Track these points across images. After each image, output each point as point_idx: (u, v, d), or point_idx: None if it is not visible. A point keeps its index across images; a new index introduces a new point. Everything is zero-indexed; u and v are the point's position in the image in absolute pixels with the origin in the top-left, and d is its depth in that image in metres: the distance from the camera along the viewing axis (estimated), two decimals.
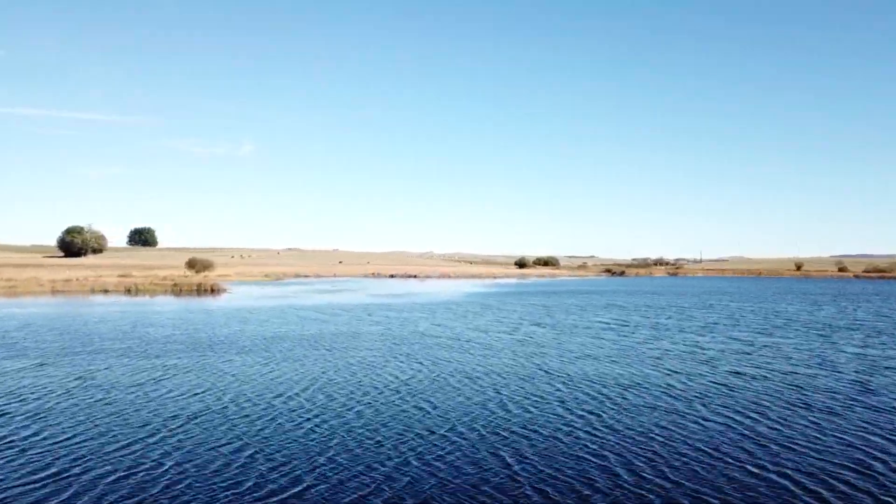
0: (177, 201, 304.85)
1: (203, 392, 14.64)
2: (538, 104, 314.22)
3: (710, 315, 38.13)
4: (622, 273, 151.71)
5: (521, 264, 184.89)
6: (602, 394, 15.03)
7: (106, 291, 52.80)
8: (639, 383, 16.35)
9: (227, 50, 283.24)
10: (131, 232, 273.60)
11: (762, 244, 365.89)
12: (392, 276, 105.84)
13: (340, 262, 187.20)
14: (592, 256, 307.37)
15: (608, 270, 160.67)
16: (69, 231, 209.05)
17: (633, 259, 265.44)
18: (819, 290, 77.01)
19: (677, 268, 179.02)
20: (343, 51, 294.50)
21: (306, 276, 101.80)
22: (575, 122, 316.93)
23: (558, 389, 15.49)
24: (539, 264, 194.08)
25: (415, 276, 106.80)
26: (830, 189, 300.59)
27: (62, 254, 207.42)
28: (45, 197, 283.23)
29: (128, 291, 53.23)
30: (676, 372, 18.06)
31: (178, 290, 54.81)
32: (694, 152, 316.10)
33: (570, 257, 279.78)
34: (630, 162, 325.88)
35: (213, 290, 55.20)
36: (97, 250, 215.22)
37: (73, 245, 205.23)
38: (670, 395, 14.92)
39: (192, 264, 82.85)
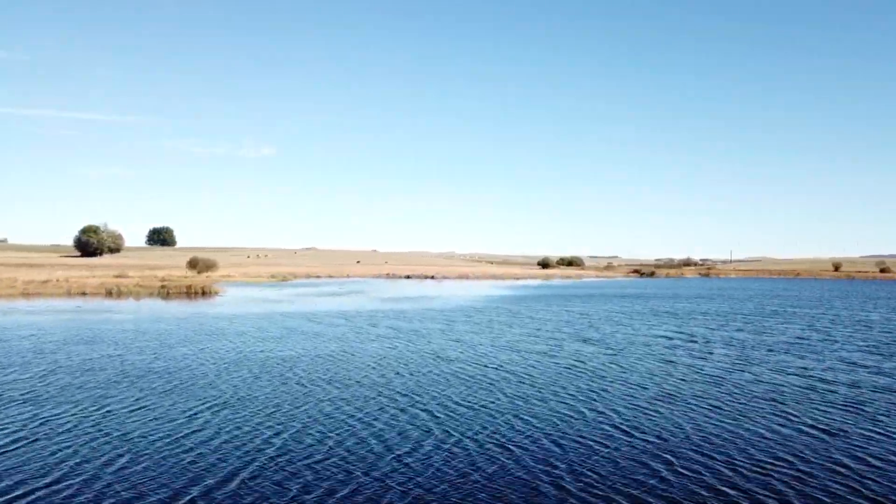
0: (198, 202, 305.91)
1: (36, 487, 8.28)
2: (561, 103, 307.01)
3: (788, 326, 31.15)
4: (651, 274, 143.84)
5: (544, 264, 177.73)
6: (744, 489, 8.36)
7: (84, 294, 47.10)
8: (785, 459, 9.64)
9: (252, 51, 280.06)
10: (150, 232, 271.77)
11: (788, 244, 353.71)
12: (408, 277, 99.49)
13: (358, 262, 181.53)
14: (615, 257, 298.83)
15: (636, 271, 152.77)
16: (85, 231, 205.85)
17: (657, 259, 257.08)
18: (884, 293, 69.13)
19: (708, 268, 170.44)
20: (362, 50, 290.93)
21: (318, 277, 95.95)
22: (598, 121, 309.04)
23: (658, 474, 8.86)
24: (563, 264, 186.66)
25: (432, 277, 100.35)
26: (862, 188, 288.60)
27: (79, 253, 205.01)
28: (67, 197, 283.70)
29: (108, 294, 47.50)
30: (830, 429, 11.32)
31: (165, 292, 48.97)
32: (719, 152, 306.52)
33: (592, 257, 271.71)
34: (653, 162, 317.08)
35: (205, 293, 49.28)
36: (114, 250, 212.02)
37: (90, 245, 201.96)
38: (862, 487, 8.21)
39: (193, 264, 77.33)
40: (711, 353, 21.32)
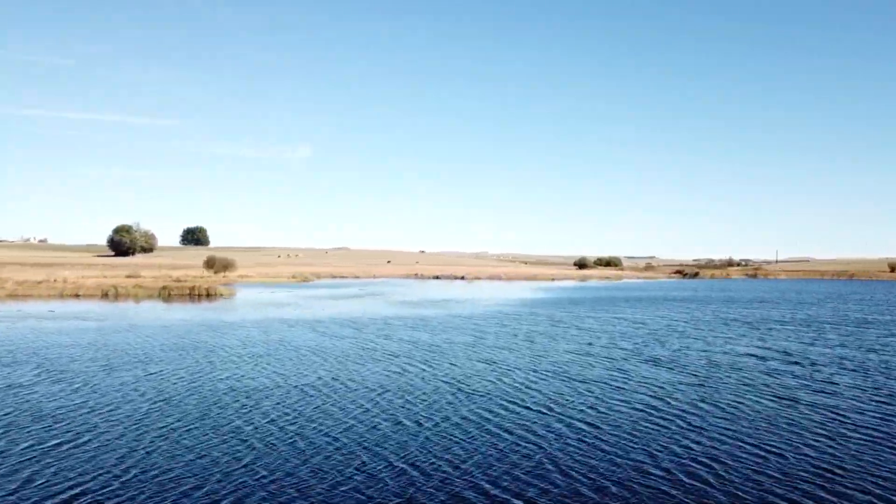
0: (235, 203, 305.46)
1: None
2: (597, 103, 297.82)
3: (893, 338, 24.88)
4: (695, 275, 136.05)
5: (581, 265, 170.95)
6: None
7: (77, 296, 42.94)
8: None
9: (290, 52, 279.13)
10: (184, 231, 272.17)
11: (832, 244, 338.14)
12: (436, 278, 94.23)
13: (388, 262, 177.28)
14: (652, 257, 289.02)
15: (679, 272, 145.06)
16: (117, 231, 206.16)
17: (695, 260, 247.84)
18: None
19: (755, 269, 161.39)
20: (397, 51, 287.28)
21: (342, 277, 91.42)
22: (631, 119, 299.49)
23: None
24: (600, 265, 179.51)
25: (462, 278, 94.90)
26: None
27: (112, 253, 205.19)
28: (106, 199, 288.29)
29: (104, 296, 43.28)
30: None
31: (166, 294, 44.57)
32: (756, 152, 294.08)
33: (629, 258, 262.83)
34: (689, 162, 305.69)
35: (209, 295, 44.77)
36: (147, 249, 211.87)
37: (122, 244, 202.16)
38: None
39: (210, 264, 73.35)
40: (832, 383, 15.54)
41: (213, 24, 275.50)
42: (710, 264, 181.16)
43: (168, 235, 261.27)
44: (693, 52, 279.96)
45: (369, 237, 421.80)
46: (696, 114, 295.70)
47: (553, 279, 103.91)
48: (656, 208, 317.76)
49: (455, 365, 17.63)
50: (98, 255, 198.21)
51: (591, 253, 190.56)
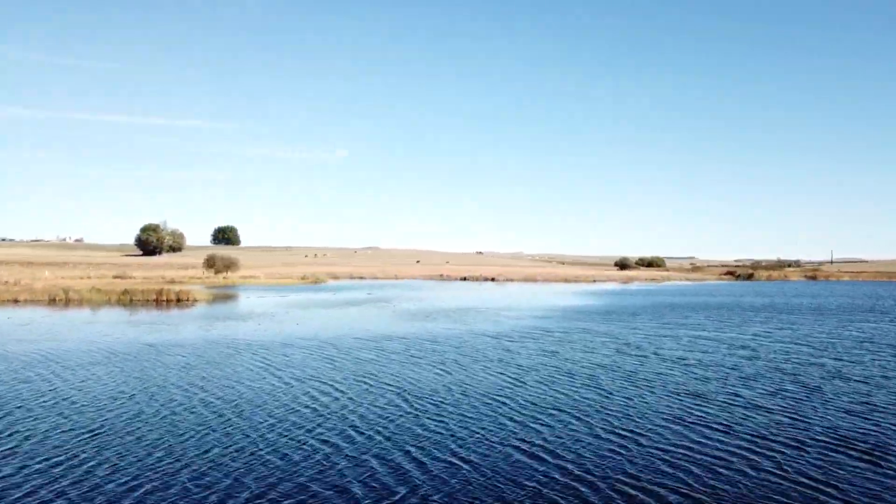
0: (271, 203, 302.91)
1: None
2: (635, 100, 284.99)
3: None
4: (750, 276, 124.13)
5: (622, 265, 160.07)
6: None
7: (16, 301, 35.36)
8: None
9: (328, 54, 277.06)
10: (214, 231, 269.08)
11: (884, 245, 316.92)
12: (464, 279, 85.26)
13: (418, 262, 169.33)
14: (692, 258, 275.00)
15: (730, 273, 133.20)
16: (144, 229, 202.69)
17: (736, 260, 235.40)
18: None
19: (814, 270, 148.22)
20: (429, 53, 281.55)
21: (361, 278, 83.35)
22: (669, 116, 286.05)
23: None
24: (642, 265, 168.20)
25: (492, 280, 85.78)
26: None
27: (140, 252, 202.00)
28: (146, 199, 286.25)
29: (52, 301, 35.66)
30: None
31: (127, 299, 36.75)
32: (798, 151, 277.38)
33: (668, 258, 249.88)
34: (725, 160, 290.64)
35: (179, 301, 36.84)
36: (175, 248, 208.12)
37: (149, 243, 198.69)
38: None
39: (210, 263, 65.90)
40: None
41: (252, 28, 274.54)
42: (761, 265, 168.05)
43: (202, 235, 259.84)
44: (733, 51, 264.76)
45: (400, 237, 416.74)
46: (733, 113, 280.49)
47: (594, 281, 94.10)
48: (693, 208, 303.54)
49: (473, 464, 8.77)
50: (126, 255, 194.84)
51: (627, 253, 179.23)
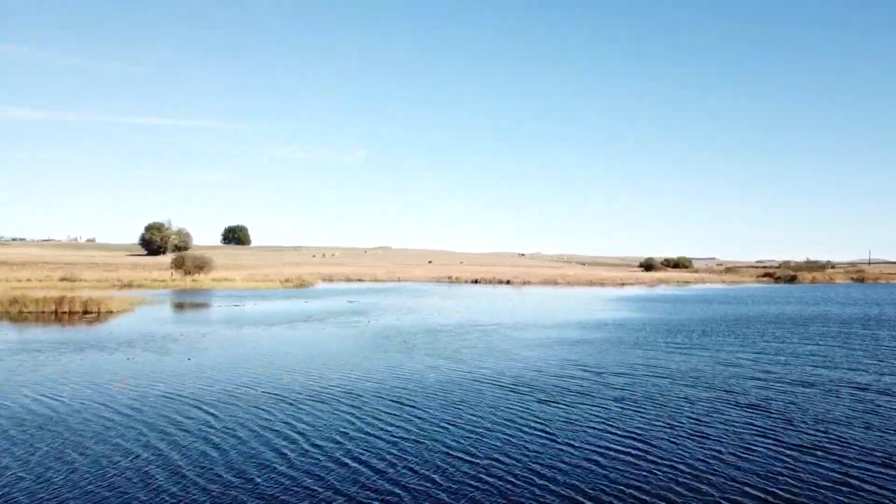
0: (287, 203, 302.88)
1: None
2: (654, 97, 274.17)
3: None
4: (793, 279, 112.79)
5: (647, 266, 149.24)
6: None
7: None
8: None
9: (351, 55, 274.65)
10: (224, 230, 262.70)
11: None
12: (475, 282, 75.35)
13: (430, 262, 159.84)
14: (713, 258, 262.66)
15: (769, 275, 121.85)
16: (148, 228, 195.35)
17: (758, 261, 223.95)
18: None
19: (860, 272, 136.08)
20: (452, 52, 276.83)
21: (360, 281, 73.94)
22: (688, 114, 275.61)
23: None
24: (668, 266, 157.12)
25: (508, 283, 75.81)
26: None
27: (144, 252, 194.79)
28: (159, 199, 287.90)
29: None
30: None
31: (16, 310, 27.57)
32: (820, 148, 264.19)
33: (692, 259, 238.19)
34: (745, 159, 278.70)
35: (87, 313, 27.57)
36: (182, 248, 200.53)
37: (153, 243, 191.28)
38: None
39: (179, 263, 56.81)
40: None
41: (270, 27, 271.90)
42: (790, 266, 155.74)
43: (216, 236, 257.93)
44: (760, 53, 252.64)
45: (413, 237, 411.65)
46: (749, 111, 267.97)
47: (622, 284, 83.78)
48: (713, 208, 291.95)
49: None
50: (130, 255, 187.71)
51: (645, 252, 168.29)
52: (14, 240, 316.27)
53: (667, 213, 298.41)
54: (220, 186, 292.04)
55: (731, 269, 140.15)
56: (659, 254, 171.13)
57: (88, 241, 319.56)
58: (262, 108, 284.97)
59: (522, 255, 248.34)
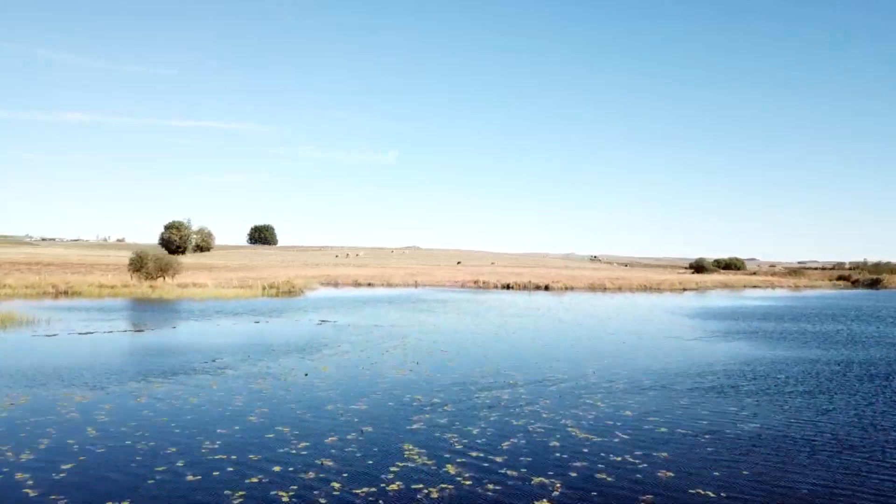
0: (313, 204, 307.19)
1: None
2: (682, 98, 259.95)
3: None
4: (875, 283, 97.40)
5: (698, 267, 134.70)
6: None
7: None
8: None
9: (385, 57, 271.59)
10: (251, 230, 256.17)
11: None
12: (507, 288, 62.70)
13: (458, 263, 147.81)
14: (753, 258, 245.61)
15: (843, 278, 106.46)
16: (168, 227, 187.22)
17: (800, 262, 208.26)
18: None
19: None
20: (482, 53, 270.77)
21: (369, 285, 62.22)
22: (714, 115, 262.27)
23: None
24: (719, 267, 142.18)
25: (545, 288, 63.09)
26: None
27: (165, 252, 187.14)
28: (191, 200, 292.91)
29: None
30: None
31: None
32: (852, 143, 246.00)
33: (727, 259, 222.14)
34: (780, 158, 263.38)
35: None
36: (203, 248, 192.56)
37: (172, 242, 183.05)
38: None
39: (137, 265, 45.62)
40: None
41: (310, 33, 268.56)
42: (871, 268, 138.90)
43: (243, 236, 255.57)
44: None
45: (443, 237, 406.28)
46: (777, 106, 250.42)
47: (683, 289, 70.43)
48: (745, 207, 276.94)
49: None
50: None
51: (680, 253, 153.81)
52: (44, 240, 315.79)
53: (698, 213, 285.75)
54: (254, 187, 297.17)
55: (797, 272, 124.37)
56: (693, 254, 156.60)
57: (118, 241, 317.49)
58: (297, 110, 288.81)
59: (480, 251, 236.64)
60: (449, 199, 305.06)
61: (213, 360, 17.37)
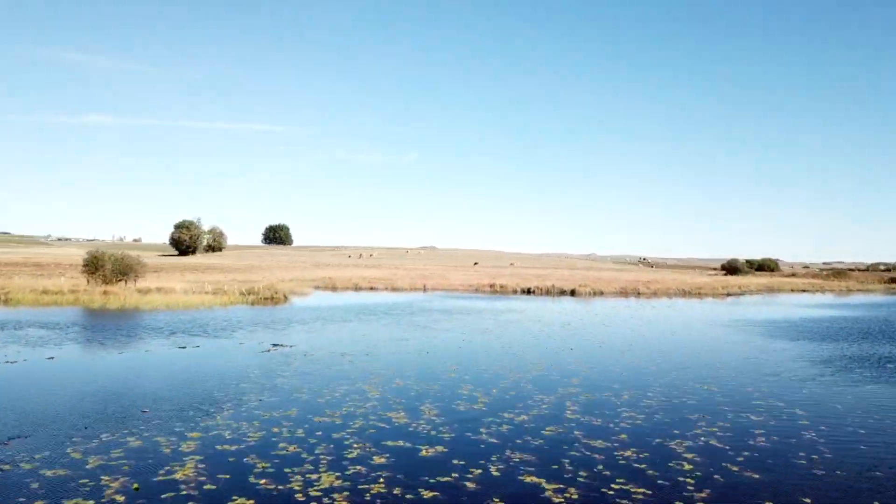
0: (330, 204, 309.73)
1: None
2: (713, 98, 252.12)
3: None
4: None
5: (730, 269, 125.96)
6: None
7: None
8: None
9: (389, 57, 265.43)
10: (266, 230, 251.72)
11: None
12: (528, 293, 54.96)
13: (475, 264, 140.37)
14: (778, 259, 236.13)
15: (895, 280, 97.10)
16: (178, 226, 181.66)
17: (825, 263, 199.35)
18: None
19: None
20: (495, 55, 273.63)
21: (370, 289, 55.06)
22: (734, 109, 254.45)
23: None
24: (752, 268, 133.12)
25: (572, 293, 55.37)
26: None
27: (175, 252, 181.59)
28: (211, 201, 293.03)
29: None
30: None
31: None
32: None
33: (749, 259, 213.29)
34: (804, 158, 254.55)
35: None
36: (215, 248, 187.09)
37: (181, 242, 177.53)
38: None
39: (93, 266, 38.78)
40: None
41: (326, 34, 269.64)
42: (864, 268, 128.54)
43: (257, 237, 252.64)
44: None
45: (461, 237, 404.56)
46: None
47: (726, 293, 62.27)
48: (771, 208, 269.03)
49: None
50: (162, 255, 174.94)
51: (700, 254, 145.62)
52: (60, 240, 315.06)
53: (722, 213, 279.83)
54: (274, 188, 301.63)
55: (840, 273, 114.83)
56: (718, 254, 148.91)
57: (134, 240, 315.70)
58: (319, 112, 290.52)
59: (499, 251, 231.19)
60: (467, 199, 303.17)
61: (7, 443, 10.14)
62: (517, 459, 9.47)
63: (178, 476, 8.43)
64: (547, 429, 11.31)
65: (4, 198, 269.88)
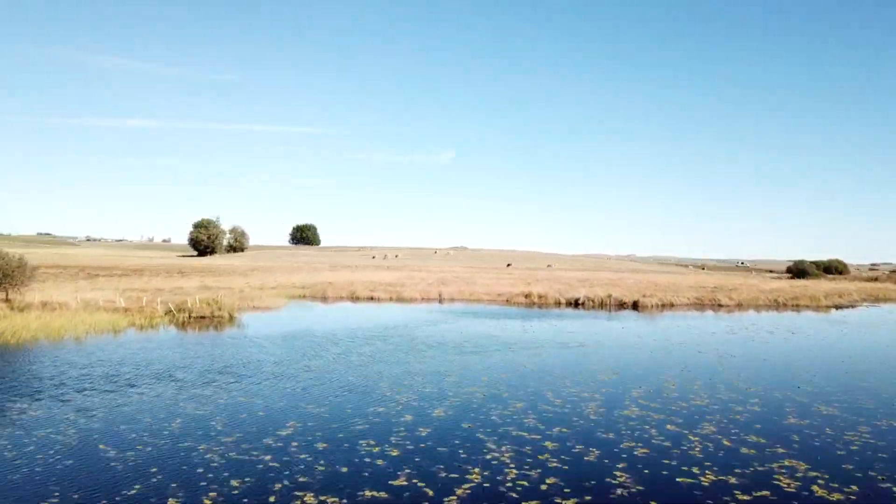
0: (363, 204, 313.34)
1: None
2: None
3: None
4: None
5: (799, 272, 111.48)
6: None
7: None
8: None
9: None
10: (293, 230, 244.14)
11: None
12: (576, 305, 42.25)
13: (508, 265, 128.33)
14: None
15: None
16: (196, 226, 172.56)
17: (872, 264, 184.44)
18: None
19: None
20: (529, 55, 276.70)
21: (369, 299, 43.26)
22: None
23: None
24: (820, 270, 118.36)
25: (634, 307, 42.43)
26: None
27: (194, 252, 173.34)
28: (248, 203, 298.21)
29: None
30: None
31: None
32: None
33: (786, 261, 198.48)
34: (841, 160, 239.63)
35: None
36: (237, 248, 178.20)
37: (200, 242, 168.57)
38: None
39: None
40: None
41: (361, 37, 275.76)
42: None
43: (282, 236, 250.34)
44: None
45: (494, 237, 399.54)
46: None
47: (833, 305, 48.84)
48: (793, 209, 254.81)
49: None
50: (182, 256, 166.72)
51: (728, 254, 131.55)
52: (89, 240, 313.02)
53: (737, 215, 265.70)
54: (314, 189, 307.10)
55: None
56: (747, 255, 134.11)
57: (164, 241, 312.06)
58: (359, 113, 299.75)
59: (534, 252, 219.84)
60: (501, 198, 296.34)
61: None
62: None
63: None
64: None
65: (45, 200, 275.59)
